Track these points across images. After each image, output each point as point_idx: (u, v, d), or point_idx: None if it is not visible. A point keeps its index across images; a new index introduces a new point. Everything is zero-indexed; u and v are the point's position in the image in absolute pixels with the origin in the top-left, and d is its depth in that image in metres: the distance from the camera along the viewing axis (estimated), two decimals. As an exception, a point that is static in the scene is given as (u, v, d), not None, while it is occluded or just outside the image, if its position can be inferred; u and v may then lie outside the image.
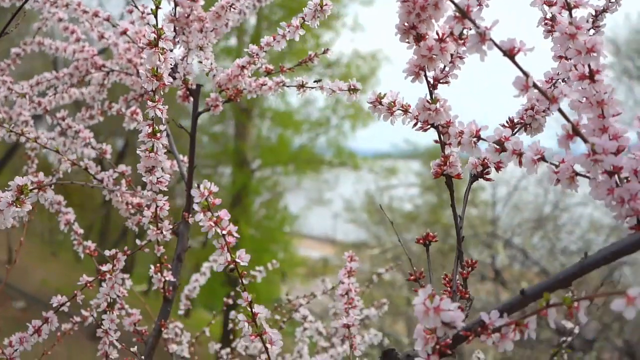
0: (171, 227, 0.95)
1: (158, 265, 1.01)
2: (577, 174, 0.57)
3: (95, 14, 1.14)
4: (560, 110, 0.54)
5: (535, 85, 0.53)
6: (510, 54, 0.53)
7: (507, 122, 0.73)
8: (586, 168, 0.54)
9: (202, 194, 0.64)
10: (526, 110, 0.72)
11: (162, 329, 1.03)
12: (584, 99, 0.57)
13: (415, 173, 11.73)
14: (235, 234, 0.65)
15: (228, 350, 1.49)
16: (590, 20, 0.76)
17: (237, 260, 0.66)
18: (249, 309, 0.68)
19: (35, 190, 0.71)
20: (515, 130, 0.72)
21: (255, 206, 12.10)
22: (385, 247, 8.99)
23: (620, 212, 0.53)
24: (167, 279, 1.02)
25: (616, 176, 0.55)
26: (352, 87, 0.88)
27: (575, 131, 0.54)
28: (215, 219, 0.64)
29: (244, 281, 0.67)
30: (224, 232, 0.65)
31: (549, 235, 7.26)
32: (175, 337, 1.35)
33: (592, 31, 0.77)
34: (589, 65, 0.56)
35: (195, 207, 0.64)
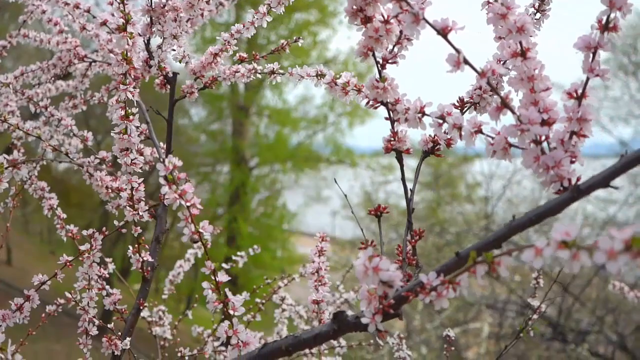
0: (147, 208, 0.99)
1: (136, 246, 1.05)
2: (511, 145, 0.61)
3: (76, 6, 1.18)
4: (489, 84, 0.58)
5: (466, 61, 0.57)
6: (443, 32, 0.57)
7: (457, 101, 0.77)
8: (514, 136, 0.58)
9: (167, 167, 0.68)
10: (475, 89, 0.76)
11: (141, 308, 1.07)
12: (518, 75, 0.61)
13: (412, 170, 11.77)
14: (199, 206, 0.70)
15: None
16: (537, 3, 0.80)
17: (201, 230, 0.70)
18: (213, 277, 0.72)
19: (10, 168, 0.76)
20: (465, 108, 0.77)
21: (254, 204, 12.14)
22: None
23: (546, 178, 0.58)
24: (145, 259, 1.06)
25: (546, 145, 0.60)
26: (319, 72, 0.92)
27: (504, 104, 0.58)
28: (180, 191, 0.68)
29: (207, 251, 0.71)
30: (189, 204, 0.69)
31: (543, 229, 7.30)
32: (159, 320, 1.40)
33: (538, 15, 0.81)
34: (520, 43, 0.60)
35: (161, 180, 0.68)
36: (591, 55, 0.58)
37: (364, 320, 0.61)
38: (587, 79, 0.59)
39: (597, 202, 7.99)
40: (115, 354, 1.03)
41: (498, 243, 0.57)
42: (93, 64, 1.29)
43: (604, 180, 0.53)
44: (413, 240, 0.69)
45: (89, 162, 1.10)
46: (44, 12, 1.30)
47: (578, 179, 0.57)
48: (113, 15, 1.17)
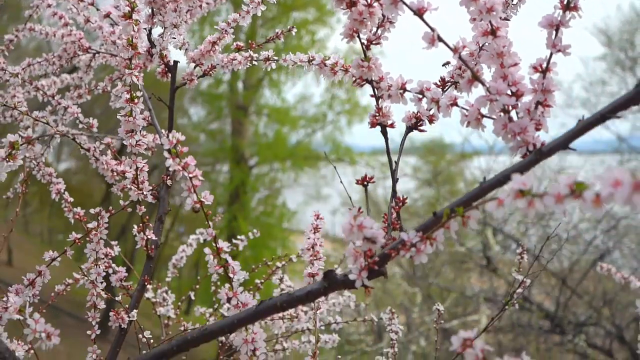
0: (151, 188, 1.05)
1: (141, 225, 1.11)
2: (483, 115, 0.67)
3: None
4: (461, 58, 0.64)
5: (439, 39, 0.63)
6: (419, 13, 0.64)
7: (439, 80, 0.83)
8: (484, 106, 0.64)
9: (170, 141, 0.74)
10: (455, 69, 0.82)
11: (146, 284, 1.13)
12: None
13: (412, 167, 11.84)
14: (201, 178, 0.76)
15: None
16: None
17: (203, 199, 0.76)
18: (214, 244, 0.78)
19: (25, 145, 0.82)
20: (447, 87, 0.83)
21: (253, 203, 12.20)
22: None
23: (514, 143, 0.64)
24: (149, 237, 1.12)
25: (515, 115, 0.66)
26: (310, 58, 0.97)
27: (474, 76, 0.64)
28: (183, 164, 0.75)
29: (208, 219, 0.77)
30: (191, 175, 0.75)
31: (540, 223, 7.36)
32: (163, 302, 1.46)
33: (515, 0, 0.87)
34: (490, 23, 0.66)
35: (165, 154, 0.74)
36: (554, 32, 0.64)
37: (351, 277, 0.67)
38: (551, 54, 0.65)
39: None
40: (122, 326, 1.09)
41: (470, 202, 0.63)
42: (97, 55, 1.35)
43: (563, 143, 0.59)
44: (397, 207, 0.75)
45: (94, 147, 1.16)
46: (49, 5, 1.36)
47: (542, 144, 0.63)
48: (116, 7, 1.24)
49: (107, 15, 1.19)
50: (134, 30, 0.84)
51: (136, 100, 0.90)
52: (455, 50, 0.64)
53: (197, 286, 1.59)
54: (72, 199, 1.25)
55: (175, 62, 1.14)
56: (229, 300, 0.77)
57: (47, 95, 1.27)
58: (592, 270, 6.24)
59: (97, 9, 1.23)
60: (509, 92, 0.64)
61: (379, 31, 0.75)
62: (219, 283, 1.55)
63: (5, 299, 0.78)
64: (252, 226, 11.43)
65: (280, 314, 1.28)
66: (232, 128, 12.30)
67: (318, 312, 1.21)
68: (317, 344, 1.02)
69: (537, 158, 0.60)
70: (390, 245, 0.66)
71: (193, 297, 1.54)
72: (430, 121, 0.81)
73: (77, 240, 1.05)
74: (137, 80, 0.88)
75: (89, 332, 1.08)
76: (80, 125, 1.22)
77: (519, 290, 1.23)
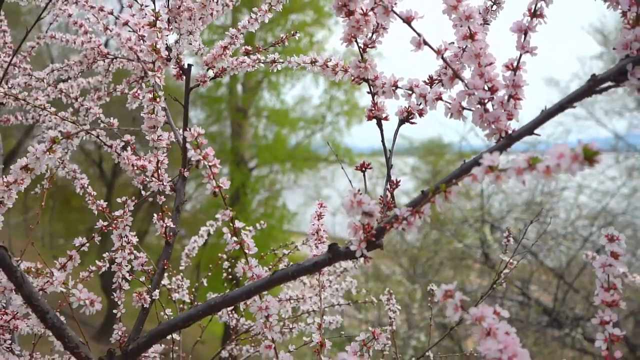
0: (170, 180, 1.16)
1: (160, 213, 1.22)
2: (463, 107, 0.79)
3: (101, 9, 1.35)
4: (444, 60, 0.75)
5: (425, 42, 0.74)
6: (408, 20, 0.75)
7: (428, 78, 0.94)
8: (464, 100, 0.75)
9: (192, 135, 0.85)
10: (441, 69, 0.93)
11: (165, 267, 1.24)
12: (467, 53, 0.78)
13: (411, 167, 11.95)
14: (218, 165, 0.87)
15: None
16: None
17: (220, 184, 0.87)
18: (231, 224, 0.89)
19: (64, 140, 0.93)
20: (434, 84, 0.94)
21: (254, 204, 12.30)
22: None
23: (489, 131, 0.75)
24: (168, 225, 1.23)
25: (491, 106, 0.77)
26: (313, 60, 1.09)
27: (455, 74, 0.75)
28: (204, 153, 0.86)
29: (225, 201, 0.88)
30: (210, 164, 0.86)
31: (539, 220, 7.47)
32: (177, 288, 1.57)
33: (494, 6, 0.98)
34: (469, 28, 0.77)
35: (188, 145, 0.85)
36: (523, 35, 0.75)
37: (352, 248, 0.78)
38: (520, 54, 0.76)
39: (594, 195, 8.17)
40: (145, 306, 1.20)
41: (450, 179, 0.74)
42: (114, 60, 1.46)
43: (529, 130, 0.70)
44: (391, 189, 0.87)
45: (116, 144, 1.27)
46: (70, 15, 1.47)
47: (514, 131, 0.74)
48: (132, 16, 1.35)
49: (126, 23, 1.30)
50: (158, 37, 0.95)
51: (158, 99, 1.01)
52: (438, 52, 0.75)
53: (210, 274, 1.70)
54: (93, 191, 1.36)
55: (189, 65, 1.25)
56: (244, 274, 0.88)
57: (70, 98, 1.39)
58: (589, 266, 6.35)
59: (117, 18, 1.34)
60: (485, 87, 0.75)
61: (374, 36, 0.86)
62: (230, 270, 1.66)
63: (49, 273, 0.89)
64: (252, 228, 11.53)
65: (288, 296, 1.39)
66: (232, 130, 12.41)
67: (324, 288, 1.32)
68: (321, 320, 1.12)
69: (507, 142, 0.71)
70: (385, 219, 0.77)
71: (205, 284, 1.64)
72: (420, 114, 0.92)
73: (103, 228, 1.16)
74: (160, 81, 0.99)
75: (115, 311, 1.19)
76: (102, 125, 1.33)
77: (506, 270, 1.34)
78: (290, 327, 1.54)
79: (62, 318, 0.90)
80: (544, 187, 7.30)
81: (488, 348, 0.61)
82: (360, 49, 0.85)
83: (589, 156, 0.50)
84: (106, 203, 1.31)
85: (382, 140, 0.89)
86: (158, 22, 0.96)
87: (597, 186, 8.33)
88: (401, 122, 0.92)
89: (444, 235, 7.66)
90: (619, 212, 7.88)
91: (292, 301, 1.37)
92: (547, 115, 0.69)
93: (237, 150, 11.89)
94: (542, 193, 7.26)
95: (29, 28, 1.10)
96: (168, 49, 1.22)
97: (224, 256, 1.66)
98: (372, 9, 0.81)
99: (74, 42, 1.50)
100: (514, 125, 0.76)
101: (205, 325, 1.67)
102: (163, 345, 1.36)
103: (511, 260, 1.34)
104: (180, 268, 1.67)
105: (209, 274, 1.72)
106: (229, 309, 1.61)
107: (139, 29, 1.29)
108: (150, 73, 0.98)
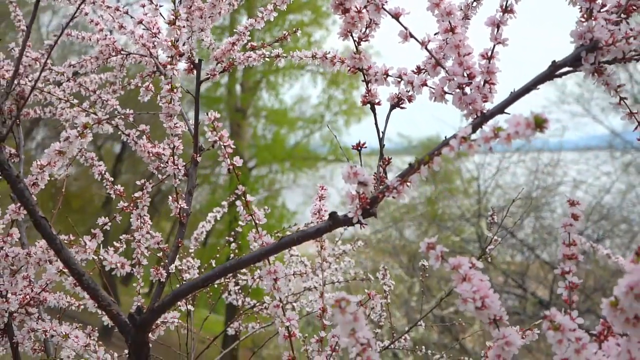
0: (185, 164, 1.28)
1: (175, 195, 1.34)
2: (445, 92, 0.90)
3: (117, 9, 1.47)
4: (427, 50, 0.87)
5: (411, 35, 0.86)
6: (396, 16, 0.86)
7: (416, 67, 1.06)
8: (445, 85, 0.87)
9: (209, 118, 0.97)
10: (427, 59, 1.05)
11: (179, 245, 1.36)
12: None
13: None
14: (232, 146, 0.98)
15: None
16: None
17: (235, 163, 0.99)
18: (244, 198, 1.01)
19: (96, 125, 1.04)
20: (421, 73, 1.05)
21: (253, 204, 12.41)
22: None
23: (467, 111, 0.87)
24: (182, 206, 1.34)
25: (469, 90, 0.89)
26: (314, 54, 1.20)
27: (437, 63, 0.87)
28: (219, 135, 0.98)
29: (238, 178, 1.00)
30: (225, 144, 0.98)
31: (536, 215, 7.61)
32: (188, 270, 1.69)
33: (475, 3, 1.10)
34: (449, 22, 0.89)
35: (206, 128, 0.97)
36: (496, 28, 0.87)
37: (349, 215, 0.90)
38: (494, 45, 0.88)
39: (590, 188, 8.30)
40: (161, 280, 1.32)
41: (433, 153, 0.85)
42: (128, 56, 1.58)
43: (499, 109, 0.82)
44: (383, 165, 0.98)
45: (133, 132, 1.39)
46: (86, 14, 1.58)
47: (487, 111, 0.86)
48: (145, 15, 1.46)
49: (140, 22, 1.42)
50: (177, 34, 1.07)
51: (175, 90, 1.13)
52: (422, 43, 0.87)
53: (218, 255, 1.82)
54: (112, 178, 1.47)
55: (200, 60, 1.37)
56: (254, 241, 1.00)
57: (89, 91, 1.50)
58: (584, 258, 6.48)
59: (132, 17, 1.45)
60: (464, 74, 0.87)
61: (367, 30, 0.97)
62: (237, 251, 1.78)
63: (83, 243, 1.01)
64: (252, 227, 11.64)
65: (292, 271, 1.51)
66: (231, 130, 12.52)
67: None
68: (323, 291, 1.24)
69: (481, 120, 0.83)
70: (378, 189, 0.89)
71: (214, 265, 1.76)
72: (409, 100, 1.04)
73: (124, 208, 1.28)
74: (177, 74, 1.11)
75: (135, 285, 1.31)
76: (118, 116, 1.44)
77: (491, 246, 1.45)
78: (293, 305, 1.66)
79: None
80: (540, 183, 7.43)
81: (464, 290, 0.72)
82: (355, 42, 0.97)
83: (539, 123, 0.62)
84: (122, 188, 1.42)
85: (376, 122, 1.01)
86: (177, 20, 1.07)
87: (592, 182, 8.45)
88: (392, 107, 1.04)
89: (442, 232, 7.80)
90: (614, 206, 8.01)
91: (295, 276, 1.49)
92: (515, 96, 0.81)
93: (236, 150, 11.98)
94: (539, 187, 7.39)
95: (64, 26, 1.21)
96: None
97: (230, 239, 1.78)
98: (365, 7, 0.93)
99: (90, 39, 1.61)
100: (489, 107, 0.88)
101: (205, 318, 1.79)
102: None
103: (495, 238, 1.46)
104: (190, 251, 1.78)
105: (217, 255, 1.84)
106: (236, 287, 1.73)
107: (152, 27, 1.41)
108: (168, 66, 1.09)
